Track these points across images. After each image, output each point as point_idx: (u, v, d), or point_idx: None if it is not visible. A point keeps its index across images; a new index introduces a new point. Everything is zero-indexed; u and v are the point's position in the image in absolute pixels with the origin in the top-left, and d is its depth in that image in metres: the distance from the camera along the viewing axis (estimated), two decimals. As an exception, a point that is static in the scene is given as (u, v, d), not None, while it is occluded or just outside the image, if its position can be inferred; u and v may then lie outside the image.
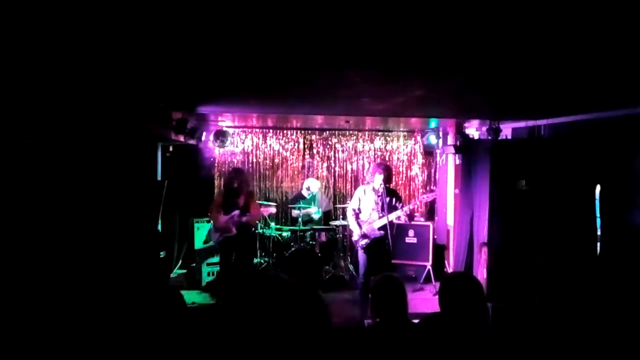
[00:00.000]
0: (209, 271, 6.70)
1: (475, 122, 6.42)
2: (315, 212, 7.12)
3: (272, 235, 6.92)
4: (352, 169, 7.95)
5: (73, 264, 3.63)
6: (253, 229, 6.42)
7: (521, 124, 5.80)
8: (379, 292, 2.64)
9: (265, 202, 7.09)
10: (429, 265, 6.78)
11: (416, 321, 2.62)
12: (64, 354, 2.89)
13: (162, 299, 2.15)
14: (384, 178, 5.19)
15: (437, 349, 2.34)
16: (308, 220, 7.12)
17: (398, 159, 7.96)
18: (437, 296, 2.57)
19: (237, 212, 5.76)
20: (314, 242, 6.82)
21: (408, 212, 5.24)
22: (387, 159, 7.84)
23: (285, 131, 7.84)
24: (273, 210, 6.78)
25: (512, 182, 5.10)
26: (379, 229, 5.17)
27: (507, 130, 6.08)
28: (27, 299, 3.19)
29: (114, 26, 2.37)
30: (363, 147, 7.93)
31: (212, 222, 6.13)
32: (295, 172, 7.87)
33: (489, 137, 5.87)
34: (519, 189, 5.07)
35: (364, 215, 5.30)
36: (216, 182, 7.71)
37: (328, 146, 7.92)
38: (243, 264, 5.85)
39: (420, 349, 2.38)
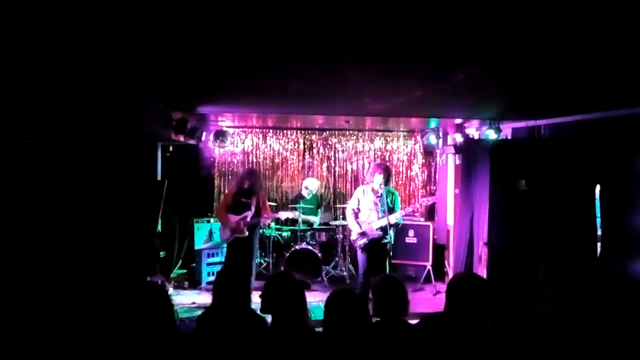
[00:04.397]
0: (209, 271, 6.70)
1: (475, 122, 6.42)
2: (316, 221, 7.14)
3: (272, 235, 6.92)
4: (352, 169, 7.94)
5: (72, 264, 3.63)
6: (261, 230, 6.39)
7: (521, 124, 5.80)
8: (380, 292, 2.63)
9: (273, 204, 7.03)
10: (429, 265, 6.78)
11: (415, 321, 2.61)
12: (61, 351, 2.89)
13: (146, 297, 2.16)
14: (383, 178, 5.19)
15: (438, 349, 2.34)
16: (308, 222, 7.13)
17: (398, 159, 7.95)
18: (437, 296, 2.57)
19: (249, 213, 5.70)
20: (314, 242, 6.82)
21: (404, 214, 5.27)
22: (387, 159, 7.84)
23: (285, 131, 7.84)
24: (290, 215, 6.64)
25: (512, 182, 5.09)
26: (378, 229, 5.17)
27: (507, 130, 6.08)
28: (25, 297, 3.19)
29: (113, 26, 2.37)
30: (363, 147, 7.92)
31: (220, 220, 6.00)
32: (295, 172, 7.87)
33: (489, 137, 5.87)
34: (519, 189, 5.07)
35: (363, 215, 5.30)
36: (216, 182, 7.71)
37: (328, 146, 7.91)
38: (248, 265, 5.80)
39: (419, 349, 2.38)
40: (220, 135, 6.81)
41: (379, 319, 2.60)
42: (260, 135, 7.81)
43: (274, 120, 7.22)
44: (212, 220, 6.87)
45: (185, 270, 7.18)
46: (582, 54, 2.75)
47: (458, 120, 6.52)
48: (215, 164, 7.72)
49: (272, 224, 7.07)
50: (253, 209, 5.70)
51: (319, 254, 6.59)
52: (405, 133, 7.90)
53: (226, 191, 7.04)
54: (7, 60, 2.85)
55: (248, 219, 5.67)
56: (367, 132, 7.89)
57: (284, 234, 7.04)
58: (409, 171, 7.97)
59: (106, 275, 3.86)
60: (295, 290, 2.53)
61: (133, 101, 4.39)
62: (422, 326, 2.54)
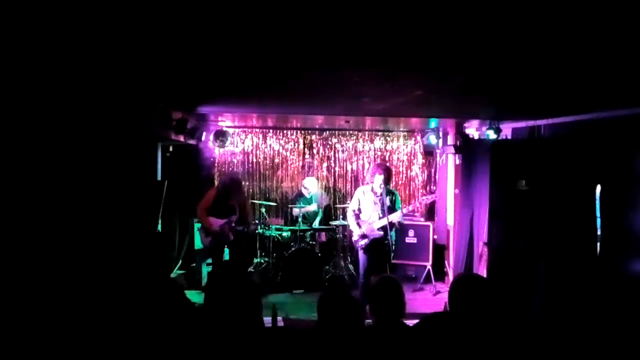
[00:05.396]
0: (209, 271, 6.68)
1: (475, 122, 6.42)
2: (314, 209, 7.15)
3: (272, 235, 6.92)
4: (352, 169, 7.94)
5: (73, 264, 3.63)
6: (252, 228, 6.38)
7: (521, 124, 5.80)
8: (377, 293, 2.63)
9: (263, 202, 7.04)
10: (429, 265, 6.78)
11: (415, 322, 2.61)
12: (63, 354, 2.89)
13: (164, 297, 2.14)
14: (383, 179, 5.19)
15: (439, 350, 2.34)
16: (309, 218, 7.14)
17: (398, 159, 7.95)
18: (437, 296, 2.57)
19: (234, 217, 5.64)
20: (314, 242, 6.82)
21: (403, 215, 5.26)
22: (387, 159, 7.84)
23: (285, 131, 7.83)
24: (280, 223, 6.63)
25: (512, 182, 5.09)
26: (379, 229, 5.17)
27: (507, 130, 6.08)
28: (27, 298, 3.19)
29: (114, 26, 2.37)
30: (363, 147, 7.92)
31: (201, 223, 5.87)
32: (295, 172, 7.87)
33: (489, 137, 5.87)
34: (519, 189, 5.07)
35: (364, 215, 5.31)
36: (216, 182, 7.71)
37: (328, 146, 7.91)
38: (242, 266, 5.77)
39: (418, 349, 2.37)
40: (220, 135, 6.80)
41: (375, 321, 2.59)
42: (260, 135, 7.81)
43: (274, 120, 7.22)
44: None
45: (185, 270, 7.17)
46: (581, 54, 2.75)
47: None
48: (215, 164, 7.72)
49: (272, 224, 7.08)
50: (237, 213, 5.63)
51: (319, 254, 6.59)
52: (405, 133, 7.90)
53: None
54: (9, 60, 2.85)
55: (233, 225, 5.59)
56: (367, 132, 7.89)
57: (284, 234, 7.04)
58: (409, 171, 7.97)
59: (105, 275, 3.86)
60: (250, 292, 2.42)
61: (133, 101, 4.39)
62: (422, 326, 2.54)
